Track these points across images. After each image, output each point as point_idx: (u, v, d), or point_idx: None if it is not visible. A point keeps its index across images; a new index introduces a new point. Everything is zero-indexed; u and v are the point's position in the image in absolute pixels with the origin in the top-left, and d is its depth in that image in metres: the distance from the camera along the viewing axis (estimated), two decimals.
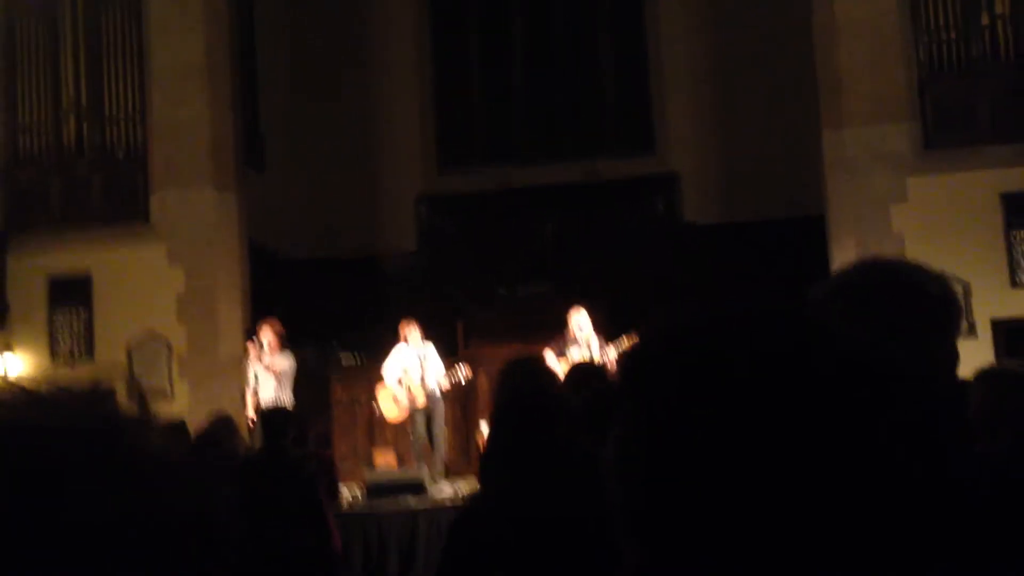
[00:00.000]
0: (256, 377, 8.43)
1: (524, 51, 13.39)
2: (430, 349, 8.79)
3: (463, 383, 8.83)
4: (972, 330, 8.32)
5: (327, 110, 12.90)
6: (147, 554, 0.54)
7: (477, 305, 11.33)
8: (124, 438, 0.58)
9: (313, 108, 12.86)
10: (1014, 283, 8.90)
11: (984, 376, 2.57)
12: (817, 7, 9.46)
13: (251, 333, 8.65)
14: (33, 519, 0.53)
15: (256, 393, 8.38)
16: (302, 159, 12.77)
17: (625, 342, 8.09)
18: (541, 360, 4.06)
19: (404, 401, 8.74)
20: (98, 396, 0.60)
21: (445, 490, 8.23)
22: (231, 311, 9.89)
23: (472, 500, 2.70)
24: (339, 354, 10.87)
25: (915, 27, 9.20)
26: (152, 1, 10.07)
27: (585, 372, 4.13)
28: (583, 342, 8.28)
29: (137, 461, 0.57)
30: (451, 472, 8.99)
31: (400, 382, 8.76)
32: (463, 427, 9.65)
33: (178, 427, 5.87)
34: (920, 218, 8.89)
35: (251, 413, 8.21)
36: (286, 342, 8.54)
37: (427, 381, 8.67)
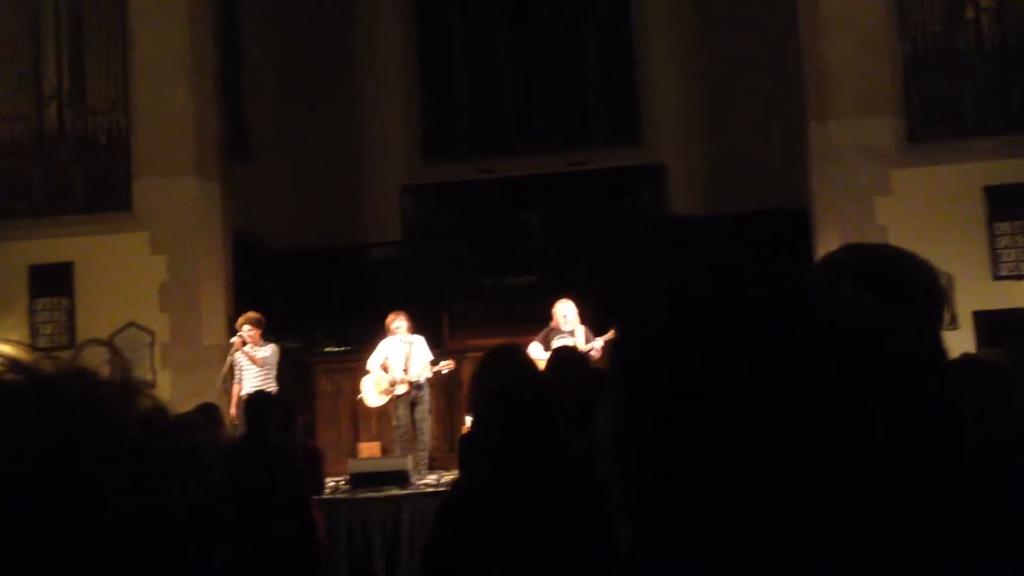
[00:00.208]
0: (240, 367, 8.40)
1: (509, 41, 13.36)
2: (418, 340, 8.78)
3: (443, 373, 8.80)
4: (954, 322, 8.37)
5: (313, 101, 12.84)
6: (144, 530, 0.54)
7: (463, 296, 11.32)
8: (108, 408, 0.57)
9: (299, 99, 12.80)
10: (996, 275, 8.97)
11: (958, 365, 2.58)
12: (803, 0, 9.48)
13: (234, 331, 8.61)
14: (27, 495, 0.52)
15: (240, 382, 8.36)
16: (287, 150, 12.71)
17: (611, 333, 8.10)
18: (523, 350, 4.06)
19: (385, 386, 8.72)
20: (83, 372, 0.59)
21: (430, 480, 8.22)
22: (214, 301, 9.84)
23: (455, 487, 2.69)
24: (324, 345, 10.85)
25: (900, 20, 9.23)
26: None
27: (567, 357, 4.14)
28: (569, 333, 8.29)
29: (122, 432, 0.56)
30: (436, 463, 8.99)
31: (384, 369, 8.75)
32: (448, 418, 9.65)
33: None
34: (904, 210, 8.93)
35: (232, 408, 8.18)
36: (267, 332, 8.53)
37: (411, 370, 8.65)
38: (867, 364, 0.59)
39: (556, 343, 8.12)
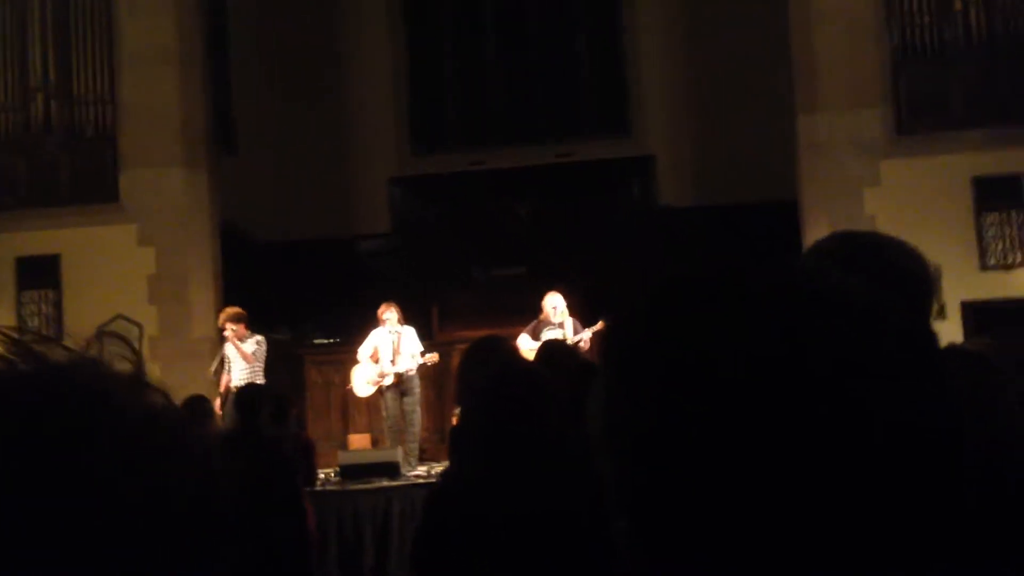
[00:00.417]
0: (228, 359, 8.38)
1: (497, 31, 13.33)
2: (407, 330, 8.77)
3: (427, 365, 8.79)
4: (943, 312, 8.41)
5: (300, 92, 12.79)
6: (152, 517, 0.53)
7: (452, 288, 11.31)
8: (118, 396, 0.57)
9: (287, 90, 12.75)
10: (984, 266, 9.01)
11: (944, 356, 2.58)
12: None
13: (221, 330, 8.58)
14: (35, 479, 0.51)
15: (229, 374, 8.34)
16: (276, 141, 12.66)
17: (600, 325, 8.11)
18: (508, 341, 4.06)
19: (373, 376, 8.71)
20: (87, 360, 0.59)
21: (420, 472, 8.22)
22: (203, 292, 9.81)
23: (444, 477, 2.69)
24: (313, 337, 10.83)
25: (889, 12, 9.25)
26: None
27: (555, 349, 4.15)
28: (558, 325, 8.29)
29: (131, 417, 0.56)
30: (426, 454, 8.99)
31: (373, 359, 8.75)
32: (438, 409, 9.65)
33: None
34: (892, 202, 8.96)
35: (218, 400, 8.16)
36: (254, 324, 8.52)
37: (399, 360, 8.64)
38: (864, 364, 0.59)
39: (545, 335, 8.13)
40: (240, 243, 11.22)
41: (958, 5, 9.16)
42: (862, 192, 9.09)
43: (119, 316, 9.57)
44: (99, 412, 0.55)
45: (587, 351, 7.87)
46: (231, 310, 8.47)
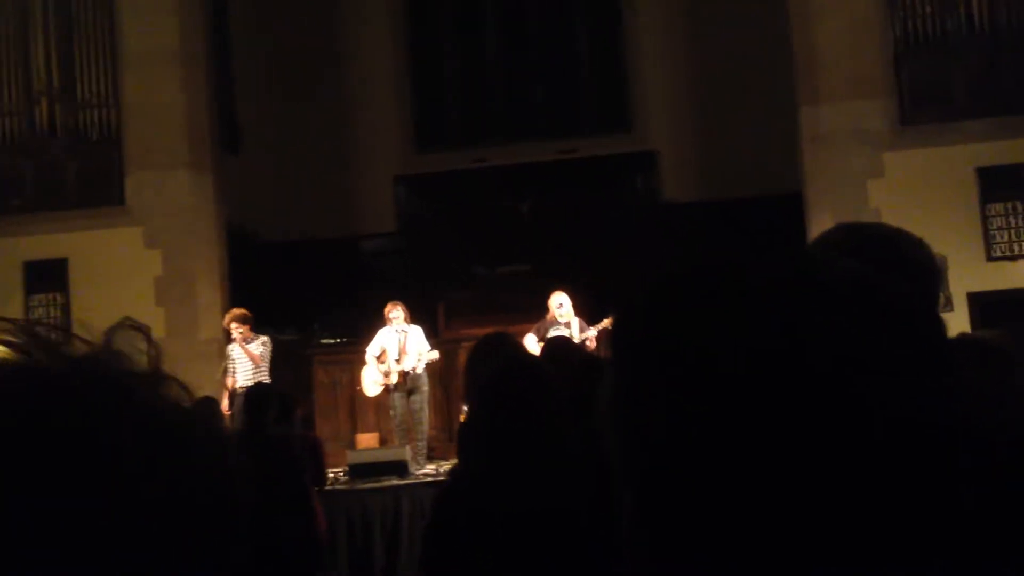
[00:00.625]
0: (233, 360, 8.40)
1: (499, 29, 13.32)
2: (415, 329, 8.78)
3: (428, 363, 8.80)
4: (949, 304, 8.39)
5: (304, 92, 12.79)
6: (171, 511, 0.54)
7: (456, 285, 11.31)
8: (139, 391, 0.57)
9: (290, 90, 12.75)
10: (989, 257, 8.98)
11: (957, 345, 2.58)
12: None
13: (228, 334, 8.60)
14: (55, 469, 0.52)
15: (233, 375, 8.36)
16: (279, 141, 12.67)
17: (606, 322, 8.11)
18: (515, 337, 4.06)
19: (380, 377, 8.73)
20: (106, 352, 0.59)
21: (428, 470, 8.23)
22: (210, 294, 9.82)
23: (452, 476, 2.69)
24: (320, 337, 10.84)
25: (891, 3, 9.22)
26: None
27: (559, 346, 4.15)
28: (564, 324, 8.29)
29: (154, 412, 0.56)
30: (434, 453, 8.99)
31: (380, 359, 8.76)
32: (446, 407, 9.66)
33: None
34: (897, 193, 8.93)
35: (225, 401, 8.18)
36: (260, 324, 8.54)
37: (406, 360, 8.65)
38: (864, 359, 0.58)
39: (551, 335, 8.13)
40: (245, 244, 11.24)
41: None
42: (866, 184, 9.07)
43: (126, 319, 9.57)
44: (120, 406, 0.55)
45: (593, 349, 7.87)
46: (237, 311, 8.49)
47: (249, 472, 0.61)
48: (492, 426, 2.44)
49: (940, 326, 0.65)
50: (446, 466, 8.24)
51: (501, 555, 2.31)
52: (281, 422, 5.54)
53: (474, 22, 13.36)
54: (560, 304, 8.36)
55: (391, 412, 8.84)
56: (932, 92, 9.14)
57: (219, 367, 8.66)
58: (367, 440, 9.40)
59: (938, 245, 1.71)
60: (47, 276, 9.83)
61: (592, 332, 8.22)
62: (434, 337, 9.44)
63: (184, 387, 0.59)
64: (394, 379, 8.65)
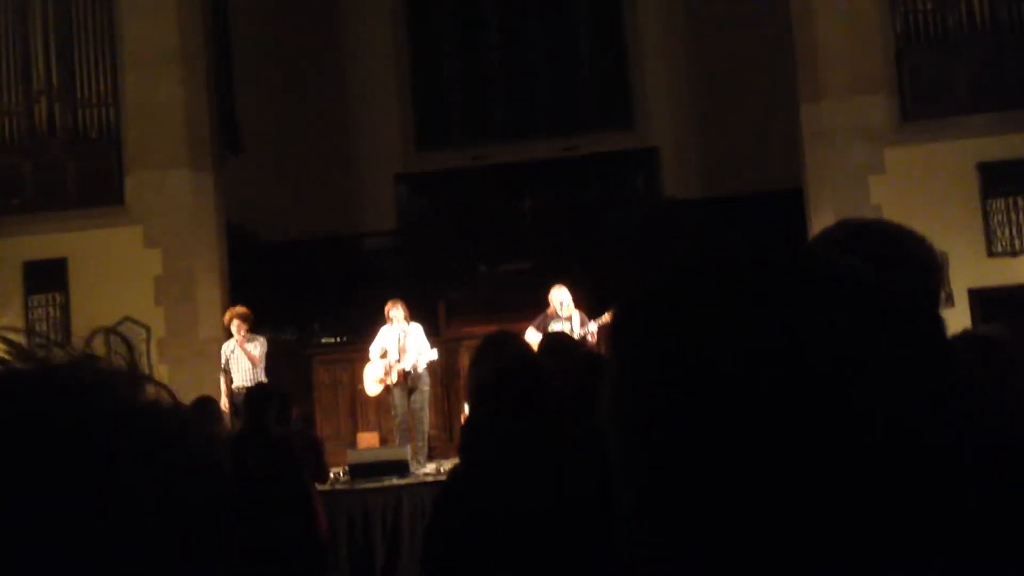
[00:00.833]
0: (233, 359, 8.40)
1: (500, 27, 13.32)
2: (415, 328, 8.78)
3: (428, 362, 8.81)
4: (950, 299, 8.39)
5: (304, 90, 12.79)
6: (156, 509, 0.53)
7: (458, 284, 11.31)
8: (118, 391, 0.57)
9: (290, 88, 12.75)
10: (991, 252, 8.98)
11: (959, 340, 2.57)
12: None
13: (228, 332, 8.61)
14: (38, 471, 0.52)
15: (230, 373, 8.37)
16: (279, 140, 12.67)
17: (607, 317, 8.10)
18: (520, 336, 4.06)
19: (381, 376, 8.73)
20: (85, 357, 0.59)
21: (429, 469, 8.23)
22: (210, 293, 9.83)
23: (453, 475, 2.69)
24: (321, 336, 10.84)
25: None
26: None
27: (558, 341, 4.14)
28: (565, 319, 8.29)
29: (133, 413, 0.56)
30: (435, 452, 8.99)
31: (382, 358, 8.76)
32: (447, 407, 9.66)
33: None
34: (898, 189, 8.93)
35: (224, 400, 8.18)
36: (260, 324, 8.55)
37: (406, 359, 8.65)
38: (864, 359, 0.58)
39: (552, 329, 8.13)
40: (246, 243, 11.24)
41: None
42: (867, 180, 9.07)
43: (126, 318, 9.60)
44: (99, 407, 0.55)
45: (594, 344, 7.87)
46: (238, 309, 8.49)
47: (242, 471, 0.60)
48: (493, 426, 2.44)
49: (941, 325, 0.65)
50: (447, 466, 8.23)
51: (502, 555, 2.30)
52: (279, 421, 5.54)
53: (475, 20, 13.35)
54: (560, 301, 8.36)
55: (392, 411, 8.84)
56: (933, 88, 9.13)
57: (218, 366, 8.67)
58: (368, 439, 9.40)
59: (939, 241, 1.70)
60: (47, 276, 9.84)
61: (593, 327, 8.21)
62: (435, 336, 9.44)
63: (164, 387, 0.59)
64: (394, 377, 8.66)
